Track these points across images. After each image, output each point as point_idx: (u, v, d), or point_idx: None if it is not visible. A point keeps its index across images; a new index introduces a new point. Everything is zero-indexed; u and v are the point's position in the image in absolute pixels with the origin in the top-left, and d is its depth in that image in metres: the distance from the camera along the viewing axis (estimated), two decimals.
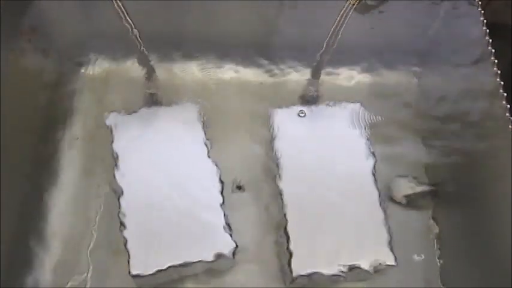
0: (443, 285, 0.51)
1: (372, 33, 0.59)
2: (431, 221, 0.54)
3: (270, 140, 0.52)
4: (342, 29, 0.48)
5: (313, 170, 0.50)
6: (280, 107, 0.54)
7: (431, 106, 0.59)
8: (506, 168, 0.42)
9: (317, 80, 0.57)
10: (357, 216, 0.48)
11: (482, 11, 0.47)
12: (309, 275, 0.46)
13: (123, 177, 0.49)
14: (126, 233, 0.46)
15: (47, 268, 0.50)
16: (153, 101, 0.57)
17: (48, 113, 0.57)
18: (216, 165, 0.50)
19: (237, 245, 0.47)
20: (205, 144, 0.51)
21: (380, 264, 0.46)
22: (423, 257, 0.52)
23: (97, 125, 0.57)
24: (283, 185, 0.49)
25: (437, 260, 0.52)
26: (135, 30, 0.48)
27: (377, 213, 0.48)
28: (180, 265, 0.45)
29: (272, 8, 0.58)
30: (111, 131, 0.51)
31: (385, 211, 0.48)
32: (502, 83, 0.43)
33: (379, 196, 0.49)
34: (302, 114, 0.53)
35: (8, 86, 0.48)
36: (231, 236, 0.47)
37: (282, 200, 0.49)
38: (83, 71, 0.61)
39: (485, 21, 0.46)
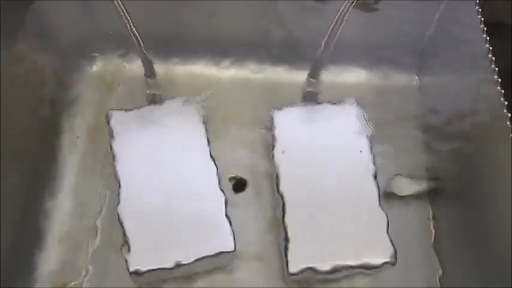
0: (442, 283, 0.51)
1: (371, 31, 0.59)
2: (431, 220, 0.54)
3: (270, 139, 0.52)
4: (341, 27, 0.48)
5: (313, 168, 0.50)
6: (280, 106, 0.54)
7: (431, 104, 0.59)
8: (507, 166, 0.42)
9: (317, 79, 0.57)
10: (356, 214, 0.48)
11: (480, 9, 0.47)
12: (307, 272, 0.46)
13: (123, 175, 0.49)
14: (125, 231, 0.46)
15: (47, 268, 0.50)
16: (154, 100, 0.57)
17: (49, 112, 0.57)
18: (216, 163, 0.50)
19: (235, 247, 0.47)
20: (206, 142, 0.51)
21: (379, 261, 0.46)
22: (422, 255, 0.52)
23: (97, 124, 0.57)
24: (282, 183, 0.49)
25: (437, 258, 0.52)
26: (134, 29, 0.48)
27: (376, 211, 0.48)
28: (180, 263, 0.45)
29: (272, 7, 0.58)
30: (112, 130, 0.51)
31: (384, 209, 0.48)
32: (500, 80, 0.43)
33: (379, 194, 0.49)
34: (302, 113, 0.53)
35: (8, 85, 0.48)
36: (232, 232, 0.47)
37: (281, 198, 0.49)
38: (83, 70, 0.62)
39: (483, 19, 0.46)
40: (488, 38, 0.45)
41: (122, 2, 0.46)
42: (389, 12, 0.57)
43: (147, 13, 0.52)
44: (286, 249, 0.46)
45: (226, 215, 0.47)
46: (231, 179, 0.55)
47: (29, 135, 0.54)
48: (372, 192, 0.49)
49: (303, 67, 0.60)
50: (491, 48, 0.45)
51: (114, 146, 0.50)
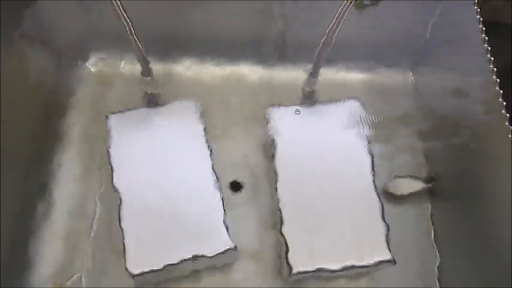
0: (441, 283, 0.51)
1: (369, 31, 0.59)
2: (430, 220, 0.54)
3: (269, 139, 0.52)
4: (340, 27, 0.48)
5: (311, 168, 0.50)
6: (278, 105, 0.54)
7: (429, 104, 0.59)
8: (505, 166, 0.42)
9: (315, 78, 0.57)
10: (354, 214, 0.48)
11: (479, 9, 0.47)
12: (306, 273, 0.46)
13: (122, 176, 0.49)
14: (124, 232, 0.46)
15: (46, 268, 0.50)
16: (152, 100, 0.58)
17: (47, 112, 0.57)
18: (214, 163, 0.50)
19: (235, 245, 0.47)
20: (204, 143, 0.51)
21: (377, 262, 0.46)
22: (421, 255, 0.52)
23: (96, 124, 0.57)
24: (281, 183, 0.49)
25: (436, 258, 0.52)
26: (132, 29, 0.48)
27: (375, 211, 0.48)
28: (179, 263, 0.45)
29: (271, 7, 0.58)
30: (110, 132, 0.51)
31: (383, 209, 0.48)
32: (499, 80, 0.43)
33: (377, 194, 0.49)
34: (300, 113, 0.53)
35: (7, 85, 0.48)
36: (228, 233, 0.47)
37: (279, 198, 0.49)
38: (82, 70, 0.61)
39: (481, 19, 0.46)
40: (486, 38, 0.45)
41: (120, 2, 0.46)
42: (388, 12, 0.57)
43: (145, 13, 0.52)
44: (285, 249, 0.46)
45: (224, 214, 0.47)
46: (229, 179, 0.55)
47: (26, 135, 0.54)
48: (370, 192, 0.49)
49: (302, 67, 0.61)
50: (489, 48, 0.45)
51: (112, 147, 0.51)
